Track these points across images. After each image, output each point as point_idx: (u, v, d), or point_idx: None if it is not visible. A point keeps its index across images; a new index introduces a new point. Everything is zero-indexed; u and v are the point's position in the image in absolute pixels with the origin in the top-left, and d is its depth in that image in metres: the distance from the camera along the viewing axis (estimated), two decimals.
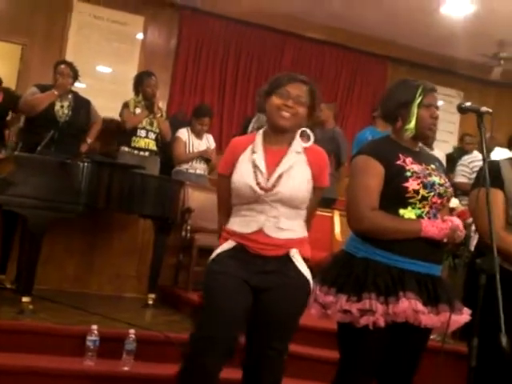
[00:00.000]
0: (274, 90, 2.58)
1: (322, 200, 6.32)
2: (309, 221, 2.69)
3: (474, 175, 5.75)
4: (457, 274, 4.04)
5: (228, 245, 2.58)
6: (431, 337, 2.61)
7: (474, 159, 5.99)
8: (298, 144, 2.62)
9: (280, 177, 2.53)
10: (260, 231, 2.53)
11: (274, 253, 2.53)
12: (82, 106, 5.42)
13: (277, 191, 2.51)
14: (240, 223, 2.57)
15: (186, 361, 2.55)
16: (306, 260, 2.61)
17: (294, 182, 2.55)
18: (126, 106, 5.80)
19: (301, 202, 2.57)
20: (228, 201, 2.64)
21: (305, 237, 2.65)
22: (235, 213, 2.61)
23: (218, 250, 2.59)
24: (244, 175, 2.55)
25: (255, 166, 2.55)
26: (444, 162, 6.45)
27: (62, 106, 5.25)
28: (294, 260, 2.56)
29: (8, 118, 6.36)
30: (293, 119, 2.57)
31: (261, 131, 2.67)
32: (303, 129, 2.64)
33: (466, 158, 6.17)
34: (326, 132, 6.53)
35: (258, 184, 2.52)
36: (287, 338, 2.60)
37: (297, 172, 2.57)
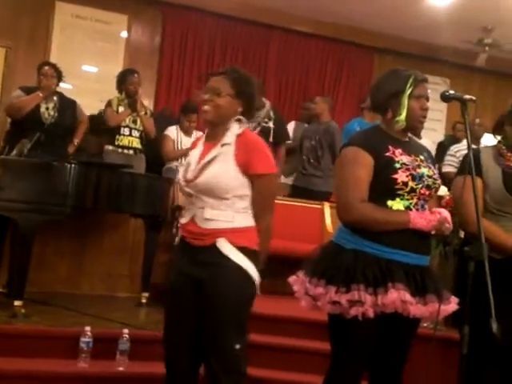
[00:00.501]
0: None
1: (317, 193, 6.42)
2: (259, 213, 2.67)
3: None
4: (448, 262, 4.05)
5: (178, 239, 2.77)
6: (424, 324, 2.62)
7: (461, 148, 6.01)
8: (229, 136, 2.66)
9: (202, 169, 2.62)
10: (192, 221, 2.65)
11: (201, 243, 2.61)
12: (67, 106, 5.40)
13: (196, 182, 2.62)
14: (183, 214, 2.75)
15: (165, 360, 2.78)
16: (242, 249, 2.59)
17: (210, 172, 2.61)
18: (109, 104, 5.78)
19: (223, 192, 2.60)
20: None
21: (240, 227, 2.63)
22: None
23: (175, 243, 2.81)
24: (181, 170, 2.75)
25: (187, 162, 2.72)
26: (433, 150, 6.47)
27: (47, 108, 5.23)
28: (222, 249, 2.58)
29: None
30: (214, 111, 2.64)
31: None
32: (238, 117, 2.68)
33: (453, 148, 6.19)
34: (320, 124, 6.56)
35: (183, 177, 2.68)
36: (234, 328, 2.57)
37: (218, 163, 2.62)
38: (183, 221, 2.71)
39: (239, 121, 2.68)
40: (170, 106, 7.91)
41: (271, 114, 6.16)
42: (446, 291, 2.49)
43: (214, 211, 2.61)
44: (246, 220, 2.65)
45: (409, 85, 2.51)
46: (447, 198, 3.71)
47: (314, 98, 6.93)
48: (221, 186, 2.60)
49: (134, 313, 4.67)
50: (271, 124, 6.18)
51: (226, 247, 2.59)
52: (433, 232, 2.46)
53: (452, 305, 2.47)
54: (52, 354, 3.64)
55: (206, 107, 2.64)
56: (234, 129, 2.67)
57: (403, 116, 2.51)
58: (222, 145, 2.64)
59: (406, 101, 2.50)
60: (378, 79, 2.67)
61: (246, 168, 2.61)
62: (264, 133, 5.85)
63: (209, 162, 2.62)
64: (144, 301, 4.84)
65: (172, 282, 2.72)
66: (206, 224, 2.61)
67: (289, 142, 6.57)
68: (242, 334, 2.60)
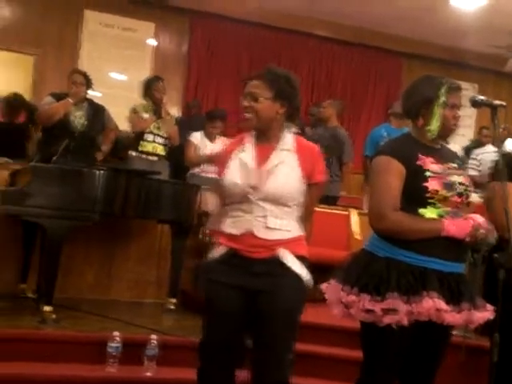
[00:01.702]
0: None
1: (324, 198, 6.41)
2: (307, 218, 2.64)
3: (481, 167, 5.72)
4: (476, 270, 4.00)
5: (219, 251, 2.57)
6: (454, 332, 2.59)
7: (483, 152, 5.96)
8: (287, 141, 2.59)
9: (266, 175, 2.51)
10: (248, 232, 2.50)
11: (260, 255, 2.49)
12: (96, 113, 5.45)
13: (263, 189, 2.49)
14: (230, 224, 2.55)
15: (198, 370, 2.60)
16: (301, 258, 2.56)
17: (280, 180, 2.51)
18: (134, 111, 5.82)
19: (288, 200, 2.52)
20: (223, 202, 2.63)
21: (297, 236, 2.58)
22: (226, 214, 2.58)
23: (210, 257, 2.59)
24: (232, 174, 2.54)
25: (243, 165, 2.55)
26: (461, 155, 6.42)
27: (76, 116, 5.28)
28: (284, 260, 2.51)
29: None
30: (255, 118, 2.55)
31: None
32: (281, 118, 2.59)
33: (476, 152, 6.15)
34: (327, 129, 6.48)
35: (244, 182, 2.51)
36: (288, 339, 2.54)
37: (284, 169, 2.53)
38: (233, 231, 2.53)
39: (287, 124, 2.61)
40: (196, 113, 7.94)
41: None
42: (481, 298, 2.46)
43: (278, 220, 2.51)
44: (300, 228, 2.60)
45: (441, 93, 2.47)
46: (478, 204, 3.66)
47: (322, 102, 6.87)
48: (289, 194, 2.52)
49: (161, 319, 4.69)
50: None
51: (289, 258, 2.51)
52: (467, 239, 2.42)
53: (488, 312, 2.43)
54: (80, 359, 3.66)
55: (246, 115, 2.57)
56: (287, 132, 2.61)
57: (435, 125, 2.48)
58: (282, 149, 2.56)
59: (438, 110, 2.47)
60: (410, 85, 2.63)
61: (309, 176, 2.56)
62: None
63: (274, 168, 2.52)
64: (171, 307, 4.85)
65: (215, 295, 2.55)
66: (268, 234, 2.50)
67: None
68: (293, 345, 2.57)
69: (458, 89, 2.54)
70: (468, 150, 6.99)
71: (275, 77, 2.57)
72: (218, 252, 2.57)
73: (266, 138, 2.59)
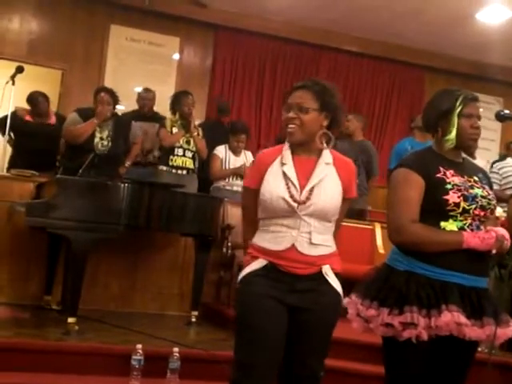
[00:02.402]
0: (284, 102, 2.53)
1: (353, 211, 6.36)
2: (336, 233, 2.59)
3: (504, 181, 5.66)
4: (503, 285, 3.97)
5: (258, 264, 2.46)
6: (479, 349, 2.55)
7: (505, 165, 5.91)
8: (327, 154, 2.53)
9: (312, 189, 2.44)
10: (292, 248, 2.42)
11: (306, 271, 2.44)
12: (121, 131, 5.48)
13: (310, 204, 2.42)
14: (270, 240, 2.46)
15: None
16: (336, 274, 2.52)
17: (326, 195, 2.45)
18: (162, 125, 5.87)
19: (332, 215, 2.48)
20: (254, 215, 2.54)
21: (335, 251, 2.55)
22: (264, 228, 2.50)
23: (248, 270, 2.48)
24: (275, 188, 2.44)
25: (287, 178, 2.45)
26: (487, 169, 6.36)
27: (101, 138, 5.29)
28: (327, 277, 2.47)
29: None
30: (300, 130, 2.46)
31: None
32: (324, 131, 2.51)
33: (496, 165, 6.09)
34: (353, 144, 6.46)
35: (291, 197, 2.42)
36: (323, 356, 2.52)
37: (328, 184, 2.47)
38: (274, 247, 2.43)
39: (327, 135, 2.52)
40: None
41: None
42: (506, 314, 2.43)
43: (320, 236, 2.45)
44: (334, 244, 2.56)
45: (458, 103, 2.48)
46: (503, 218, 3.63)
47: (347, 116, 6.84)
48: (334, 210, 2.47)
49: (183, 331, 4.69)
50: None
51: (331, 275, 2.47)
52: (494, 251, 2.39)
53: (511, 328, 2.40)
54: (104, 372, 3.68)
55: (291, 126, 2.46)
56: (325, 146, 2.54)
57: (453, 134, 2.48)
58: (324, 163, 2.50)
59: (455, 119, 2.47)
60: (430, 99, 2.64)
61: (346, 191, 2.53)
62: None
63: (320, 183, 2.46)
64: (194, 320, 4.85)
65: (260, 309, 2.40)
66: (312, 250, 2.44)
67: None
68: (325, 361, 2.55)
69: (475, 99, 2.55)
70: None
71: (321, 88, 2.50)
72: (256, 265, 2.46)
73: (305, 151, 2.51)
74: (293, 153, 2.52)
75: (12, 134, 5.95)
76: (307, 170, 2.48)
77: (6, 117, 5.68)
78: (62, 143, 5.85)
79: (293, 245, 2.42)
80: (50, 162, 6.20)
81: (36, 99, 5.98)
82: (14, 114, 6.13)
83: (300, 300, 2.43)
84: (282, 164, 2.48)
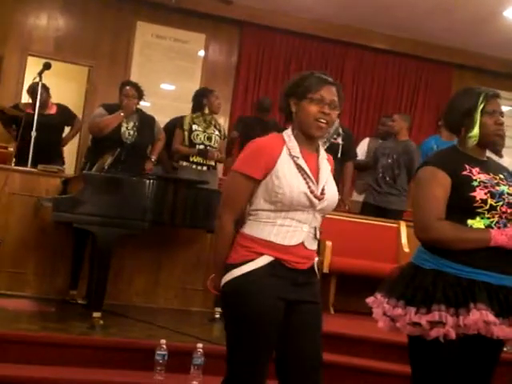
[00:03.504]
0: (305, 95, 2.40)
1: (392, 212, 6.28)
2: None
3: None
4: None
5: (263, 260, 2.35)
6: (504, 349, 2.53)
7: None
8: (322, 150, 2.53)
9: (324, 185, 2.43)
10: (301, 243, 2.38)
11: (306, 266, 2.42)
12: (146, 125, 5.51)
13: (325, 199, 2.40)
14: (278, 234, 2.36)
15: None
16: None
17: (334, 190, 2.47)
18: (180, 125, 5.80)
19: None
20: (244, 205, 2.43)
21: None
22: (267, 220, 2.39)
23: (252, 266, 2.34)
24: (295, 182, 2.35)
25: (304, 173, 2.38)
26: None
27: (127, 128, 5.33)
28: (315, 268, 2.49)
29: (64, 134, 6.59)
30: (327, 127, 2.43)
31: (289, 133, 2.46)
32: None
33: None
34: (398, 142, 6.42)
35: (312, 192, 2.36)
36: (321, 346, 2.47)
37: (331, 179, 2.49)
38: (283, 242, 2.36)
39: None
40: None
41: (340, 130, 6.19)
42: None
43: (319, 231, 2.47)
44: None
45: (480, 101, 2.46)
46: None
47: (393, 115, 6.82)
48: (335, 205, 2.51)
49: (207, 327, 4.70)
50: (340, 140, 6.20)
51: (316, 266, 2.49)
52: None
53: None
54: (128, 366, 3.70)
55: (323, 123, 2.39)
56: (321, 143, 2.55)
57: (476, 131, 2.46)
58: (323, 158, 2.50)
59: (478, 117, 2.46)
60: (451, 99, 2.63)
61: None
62: (332, 149, 5.86)
63: (328, 178, 2.47)
64: (217, 316, 4.86)
65: (267, 309, 2.33)
66: (313, 245, 2.44)
67: (358, 158, 6.59)
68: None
69: (496, 96, 2.52)
70: None
71: (341, 89, 2.47)
72: (261, 261, 2.35)
73: (310, 145, 2.47)
74: (300, 146, 2.44)
75: (14, 126, 6.00)
76: (313, 164, 2.45)
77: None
78: (90, 138, 5.89)
79: (303, 241, 2.39)
80: (54, 153, 6.24)
81: (35, 90, 5.98)
82: (16, 106, 6.19)
83: (300, 294, 2.40)
84: (293, 156, 2.40)
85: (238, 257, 2.38)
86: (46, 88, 6.15)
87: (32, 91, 6.00)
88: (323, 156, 2.51)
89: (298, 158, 2.40)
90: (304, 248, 2.40)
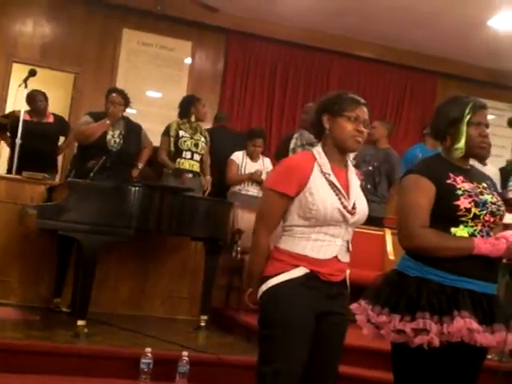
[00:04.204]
0: (341, 113, 2.52)
1: (374, 219, 6.29)
2: None
3: None
4: None
5: (299, 272, 2.43)
6: (488, 356, 2.54)
7: None
8: (351, 165, 2.62)
9: (355, 199, 2.52)
10: (335, 257, 2.47)
11: (339, 278, 2.51)
12: (133, 132, 5.49)
13: (356, 214, 2.49)
14: (313, 248, 2.45)
15: None
16: None
17: (364, 204, 2.56)
18: (166, 132, 5.86)
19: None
20: (278, 222, 2.53)
21: None
22: (301, 236, 2.47)
23: (286, 276, 2.43)
24: (329, 198, 2.45)
25: (336, 189, 2.47)
26: (497, 176, 6.31)
27: (113, 135, 5.31)
28: (347, 281, 2.58)
29: (59, 143, 6.56)
30: (362, 143, 2.55)
31: (319, 150, 2.55)
32: None
33: None
34: (378, 150, 6.42)
35: (345, 207, 2.45)
36: (341, 357, 2.57)
37: (361, 193, 2.58)
38: (317, 256, 2.44)
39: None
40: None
41: None
42: None
43: (350, 244, 2.55)
44: None
45: (467, 112, 2.48)
46: None
47: (372, 122, 6.80)
48: (365, 218, 2.59)
49: (193, 335, 4.69)
50: None
51: (347, 278, 2.59)
52: (504, 260, 2.39)
53: None
54: (113, 375, 3.69)
55: (359, 140, 2.52)
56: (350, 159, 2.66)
57: (462, 144, 2.48)
58: (352, 173, 2.59)
59: (464, 128, 2.48)
60: (438, 106, 2.65)
61: None
62: None
63: (359, 193, 2.56)
64: (203, 324, 4.86)
65: (299, 320, 2.40)
66: (347, 258, 2.53)
67: None
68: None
69: (483, 107, 2.55)
70: (506, 172, 6.88)
71: (369, 107, 2.62)
72: (296, 273, 2.43)
73: (340, 161, 2.56)
74: (330, 162, 2.53)
75: (8, 134, 5.97)
76: (343, 179, 2.53)
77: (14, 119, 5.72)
78: (75, 146, 5.87)
79: (337, 254, 2.48)
80: (50, 162, 6.24)
81: (35, 97, 5.98)
82: (12, 113, 6.16)
83: (332, 305, 2.49)
84: (324, 173, 2.49)
85: (274, 269, 2.47)
86: (45, 96, 6.17)
87: (31, 98, 5.99)
88: (352, 171, 2.60)
89: (329, 174, 2.49)
90: (338, 261, 2.48)
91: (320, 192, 2.44)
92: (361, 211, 2.52)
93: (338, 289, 2.51)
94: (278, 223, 2.54)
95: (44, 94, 6.13)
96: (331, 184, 2.48)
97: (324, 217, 2.43)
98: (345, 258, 2.52)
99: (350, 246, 2.54)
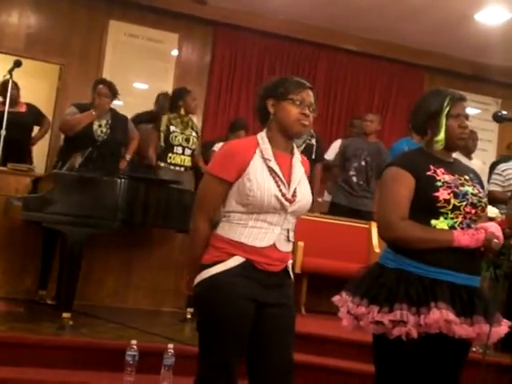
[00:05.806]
0: (286, 96, 2.44)
1: (366, 214, 6.26)
2: None
3: (507, 183, 5.66)
4: (498, 285, 3.96)
5: (234, 261, 2.38)
6: (473, 349, 2.55)
7: (509, 167, 5.89)
8: (297, 152, 2.56)
9: (295, 187, 2.45)
10: (273, 245, 2.41)
11: (278, 268, 2.44)
12: (119, 123, 5.47)
13: (296, 202, 2.43)
14: (249, 235, 2.39)
15: None
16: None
17: (306, 193, 2.49)
18: (156, 127, 5.80)
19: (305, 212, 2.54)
20: (217, 207, 2.47)
21: None
22: (239, 222, 2.41)
23: (222, 267, 2.37)
24: (266, 185, 2.38)
25: (275, 175, 2.41)
26: (484, 171, 6.33)
27: (99, 125, 5.30)
28: (289, 271, 2.51)
29: (33, 134, 6.52)
30: (307, 127, 2.49)
31: (263, 135, 2.49)
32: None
33: (500, 166, 6.06)
34: (369, 144, 6.43)
35: (283, 195, 2.39)
36: (292, 349, 2.49)
37: (304, 181, 2.52)
38: (254, 243, 2.38)
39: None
40: (217, 124, 8.00)
41: (312, 131, 6.20)
42: (498, 313, 2.43)
43: (292, 233, 2.48)
44: None
45: (445, 104, 2.50)
46: (499, 219, 3.63)
47: (368, 115, 6.74)
48: (308, 207, 2.53)
49: (178, 328, 4.69)
50: (314, 141, 6.22)
51: (290, 269, 2.52)
52: (482, 249, 2.40)
53: (503, 327, 2.41)
54: (98, 367, 3.69)
55: (305, 123, 2.45)
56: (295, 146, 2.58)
57: (442, 135, 2.51)
58: (297, 160, 2.53)
59: (443, 120, 2.50)
60: (418, 100, 2.66)
61: None
62: (308, 150, 5.88)
63: (299, 180, 2.48)
64: (189, 316, 4.85)
65: (237, 311, 2.37)
66: (287, 247, 2.46)
67: (328, 159, 6.68)
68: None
69: (462, 99, 2.57)
70: (494, 166, 6.91)
71: (315, 91, 2.53)
72: (232, 263, 2.38)
73: (285, 147, 2.50)
74: (272, 147, 2.47)
75: None
76: (286, 166, 2.47)
77: None
78: (62, 138, 5.82)
79: (274, 242, 2.41)
80: (24, 152, 6.19)
81: (6, 87, 5.89)
82: None
83: (272, 296, 2.42)
84: (265, 159, 2.42)
85: (209, 257, 2.42)
86: (16, 85, 6.08)
87: (2, 88, 5.92)
88: (297, 158, 2.53)
89: (270, 160, 2.42)
90: (276, 250, 2.42)
91: (258, 178, 2.38)
92: (302, 200, 2.45)
93: (277, 279, 2.44)
94: (218, 208, 2.47)
95: (14, 83, 6.01)
96: (271, 170, 2.41)
97: (261, 204, 2.37)
98: (285, 247, 2.45)
99: (291, 234, 2.46)
